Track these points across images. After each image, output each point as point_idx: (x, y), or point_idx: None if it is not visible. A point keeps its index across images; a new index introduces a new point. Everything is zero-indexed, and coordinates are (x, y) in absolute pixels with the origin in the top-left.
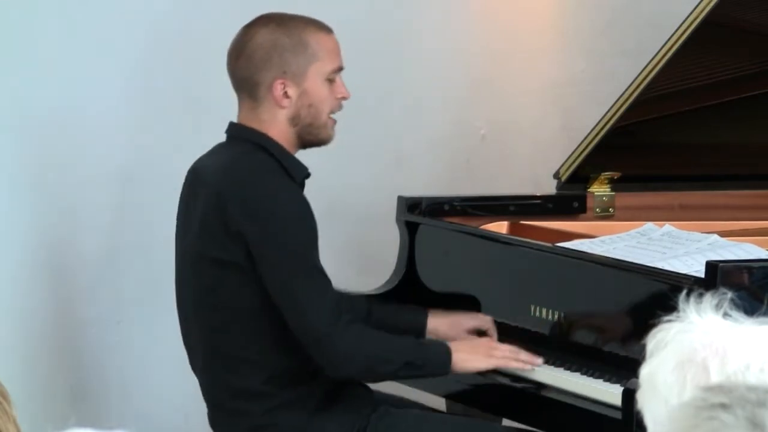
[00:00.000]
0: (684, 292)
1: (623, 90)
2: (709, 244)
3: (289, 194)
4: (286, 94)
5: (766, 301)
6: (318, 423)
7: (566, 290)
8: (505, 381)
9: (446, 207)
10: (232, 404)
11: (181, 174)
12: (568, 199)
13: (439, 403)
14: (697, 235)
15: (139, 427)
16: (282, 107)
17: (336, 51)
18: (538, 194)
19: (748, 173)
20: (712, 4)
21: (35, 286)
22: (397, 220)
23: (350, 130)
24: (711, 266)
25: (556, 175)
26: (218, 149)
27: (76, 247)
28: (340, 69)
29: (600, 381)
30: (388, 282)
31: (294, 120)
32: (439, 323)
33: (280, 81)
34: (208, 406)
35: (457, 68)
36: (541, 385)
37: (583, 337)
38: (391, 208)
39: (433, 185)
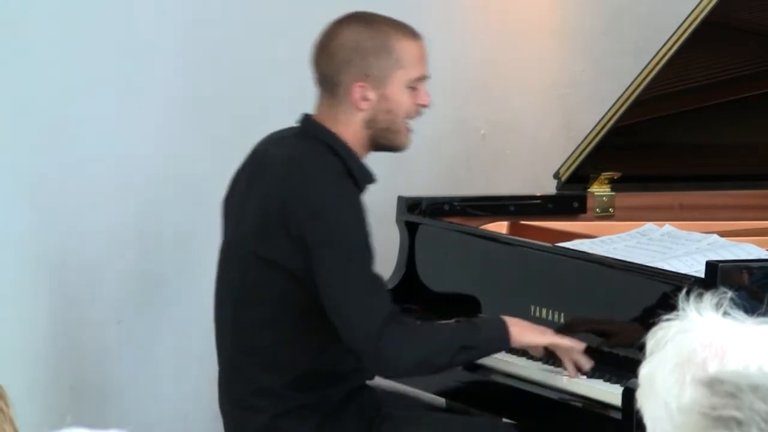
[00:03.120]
0: (684, 290)
1: (623, 90)
2: (709, 244)
3: (350, 200)
4: (365, 98)
5: (766, 301)
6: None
7: (566, 290)
8: (505, 381)
9: (446, 207)
10: (250, 401)
11: (181, 175)
12: (568, 199)
13: (438, 402)
14: (697, 235)
15: (139, 427)
16: (360, 110)
17: (421, 59)
18: (538, 194)
19: (748, 173)
20: (712, 4)
21: (36, 286)
22: (397, 220)
23: None
24: (711, 266)
25: (556, 175)
26: (287, 140)
27: (76, 248)
28: (424, 77)
29: (600, 381)
30: (388, 282)
31: (369, 123)
32: None
33: (359, 84)
34: (225, 399)
35: (457, 68)
36: (541, 385)
37: (582, 337)
38: (391, 208)
39: (433, 185)
